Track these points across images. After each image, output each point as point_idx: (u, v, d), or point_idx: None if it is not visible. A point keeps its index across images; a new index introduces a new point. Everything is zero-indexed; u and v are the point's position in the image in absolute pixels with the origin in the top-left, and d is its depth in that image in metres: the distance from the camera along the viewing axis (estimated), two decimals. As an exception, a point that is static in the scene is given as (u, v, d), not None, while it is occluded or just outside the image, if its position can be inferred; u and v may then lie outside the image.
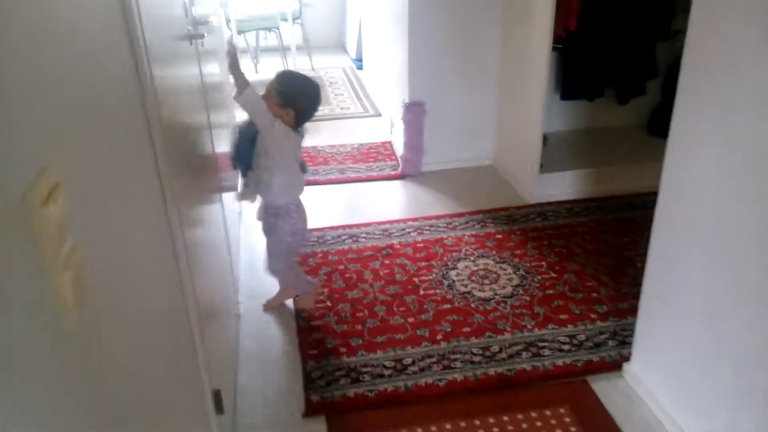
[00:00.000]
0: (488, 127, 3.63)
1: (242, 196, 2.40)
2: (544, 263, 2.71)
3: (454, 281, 2.59)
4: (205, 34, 1.97)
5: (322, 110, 4.63)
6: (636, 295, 2.45)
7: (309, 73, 5.65)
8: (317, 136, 4.18)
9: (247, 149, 2.16)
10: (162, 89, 1.31)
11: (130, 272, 1.00)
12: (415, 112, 3.48)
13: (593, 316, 2.37)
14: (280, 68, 5.50)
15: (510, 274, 2.64)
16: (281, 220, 2.24)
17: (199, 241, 1.59)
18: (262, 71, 5.73)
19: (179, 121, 1.50)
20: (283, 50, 5.57)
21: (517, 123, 3.34)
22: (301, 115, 2.13)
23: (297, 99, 2.09)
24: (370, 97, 4.98)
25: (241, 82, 2.02)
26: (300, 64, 5.66)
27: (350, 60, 6.05)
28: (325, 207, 3.26)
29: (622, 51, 3.27)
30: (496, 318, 2.37)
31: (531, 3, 2.99)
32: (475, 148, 3.68)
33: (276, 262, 2.33)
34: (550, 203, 3.21)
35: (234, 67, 2.06)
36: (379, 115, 4.58)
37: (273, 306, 2.47)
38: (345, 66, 5.92)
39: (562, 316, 2.37)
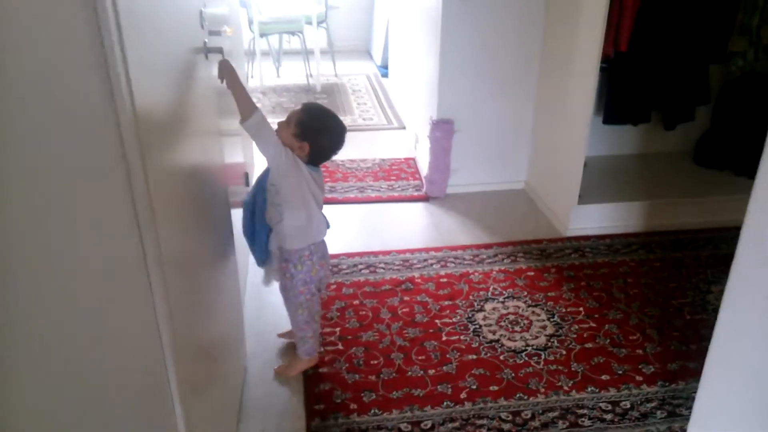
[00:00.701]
0: (522, 150, 3.35)
1: (267, 279, 2.10)
2: (581, 309, 2.43)
3: (480, 326, 2.32)
4: (223, 47, 1.71)
5: (343, 119, 4.39)
6: (686, 355, 2.18)
7: (332, 80, 5.43)
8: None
9: (257, 224, 1.92)
10: (152, 122, 1.06)
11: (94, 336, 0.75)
12: (443, 130, 3.22)
13: (638, 378, 2.09)
14: (303, 76, 5.30)
15: (543, 320, 2.36)
16: (293, 267, 1.95)
17: (195, 320, 1.34)
18: (284, 75, 5.50)
19: (178, 159, 1.25)
20: (306, 54, 5.33)
21: (554, 147, 3.06)
22: (318, 153, 1.88)
23: (318, 135, 1.84)
24: (395, 107, 4.72)
25: (247, 104, 1.76)
26: (323, 70, 5.41)
27: (375, 67, 5.79)
28: (342, 229, 3.00)
29: (673, 73, 2.98)
30: (528, 375, 2.09)
31: (579, 19, 2.71)
32: (507, 172, 3.40)
33: (291, 310, 2.06)
34: (587, 237, 2.92)
35: (234, 85, 1.77)
36: (404, 127, 4.32)
37: (284, 373, 2.13)
38: (369, 73, 5.67)
39: (603, 377, 2.09)
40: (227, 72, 1.75)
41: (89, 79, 0.87)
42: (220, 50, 1.68)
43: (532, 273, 2.66)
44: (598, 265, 2.71)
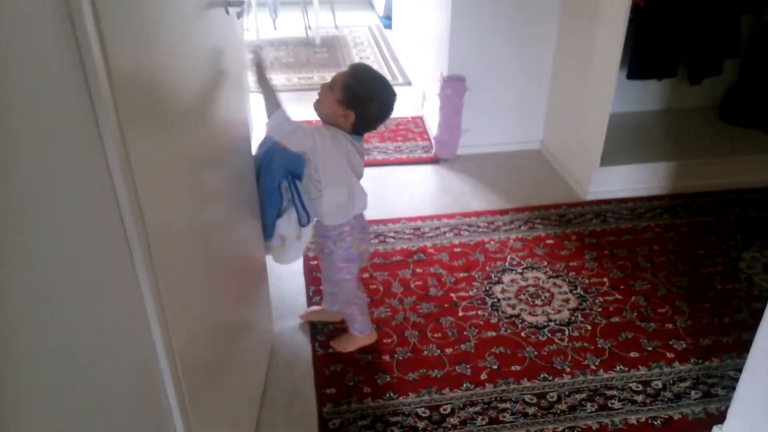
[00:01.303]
0: (538, 108, 3.15)
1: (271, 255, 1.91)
2: (605, 280, 2.28)
3: (499, 300, 2.19)
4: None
5: (346, 76, 4.17)
6: (719, 328, 2.05)
7: (332, 32, 5.17)
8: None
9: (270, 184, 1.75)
10: (134, 95, 0.88)
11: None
12: (454, 88, 3.02)
13: (669, 355, 1.96)
14: (302, 28, 5.02)
15: (566, 293, 2.22)
16: (332, 243, 1.80)
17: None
18: (281, 28, 5.24)
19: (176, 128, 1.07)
20: (304, 5, 5.06)
21: (574, 104, 2.87)
22: (363, 123, 1.68)
23: (367, 104, 1.64)
24: (399, 62, 4.49)
25: (272, 100, 1.59)
26: (322, 21, 5.15)
27: (378, 18, 5.52)
28: (348, 196, 2.83)
29: (705, 22, 2.76)
30: (551, 353, 1.96)
31: (603, -37, 2.49)
32: (521, 131, 3.22)
33: (329, 288, 1.93)
34: (608, 201, 2.76)
35: (263, 83, 1.60)
36: (410, 83, 4.10)
37: (339, 348, 2.00)
38: (372, 24, 5.40)
39: (632, 354, 1.96)
40: (258, 65, 1.60)
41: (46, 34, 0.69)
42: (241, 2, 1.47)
43: (552, 241, 2.51)
44: (622, 231, 2.56)
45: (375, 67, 4.43)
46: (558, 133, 3.09)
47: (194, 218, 1.20)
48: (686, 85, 3.13)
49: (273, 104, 1.59)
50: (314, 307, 2.13)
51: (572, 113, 2.90)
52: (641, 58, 2.77)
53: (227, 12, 1.43)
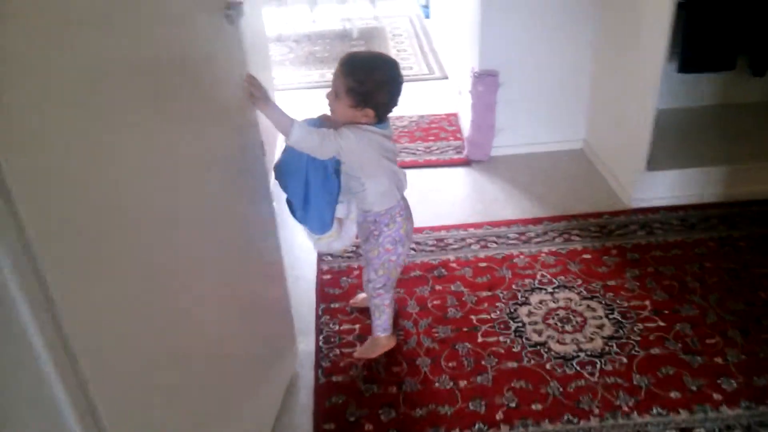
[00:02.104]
0: (580, 103, 2.89)
1: (321, 245, 1.82)
2: (647, 303, 2.03)
3: (524, 324, 1.97)
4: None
5: (380, 70, 3.98)
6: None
7: (371, 23, 4.97)
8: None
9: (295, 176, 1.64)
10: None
11: None
12: (486, 84, 2.79)
13: (717, 396, 1.71)
14: (339, 20, 4.86)
15: (600, 317, 1.99)
16: (384, 226, 1.75)
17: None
18: (318, 20, 5.09)
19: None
20: (342, -5, 4.89)
21: (618, 100, 2.60)
22: (383, 110, 1.63)
23: (376, 95, 1.57)
24: (437, 53, 4.26)
25: (282, 120, 1.50)
26: (362, 12, 4.96)
27: (418, 6, 5.29)
28: (370, 202, 2.66)
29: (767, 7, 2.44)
30: (579, 390, 1.74)
31: (650, -57, 2.21)
32: (562, 130, 2.96)
33: (370, 273, 1.83)
34: (656, 209, 2.49)
35: (263, 103, 1.49)
36: (446, 77, 3.88)
37: (364, 356, 1.92)
38: (412, 14, 5.18)
39: (672, 394, 1.72)
40: (259, 91, 1.48)
41: None
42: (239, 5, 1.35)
43: (589, 255, 2.26)
44: (669, 246, 2.29)
45: (412, 60, 4.25)
46: (601, 131, 2.82)
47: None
48: (746, 77, 2.79)
49: (284, 122, 1.50)
50: (363, 294, 2.04)
51: (615, 110, 2.63)
52: (694, 48, 2.46)
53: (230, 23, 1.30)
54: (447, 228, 2.46)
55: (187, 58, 1.15)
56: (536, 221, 2.47)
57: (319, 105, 1.69)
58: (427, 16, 4.92)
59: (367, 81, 1.55)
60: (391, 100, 1.63)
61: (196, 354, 1.17)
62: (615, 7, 2.56)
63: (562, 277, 2.16)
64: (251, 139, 1.53)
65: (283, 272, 1.80)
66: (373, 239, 1.77)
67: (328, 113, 1.65)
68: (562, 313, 2.01)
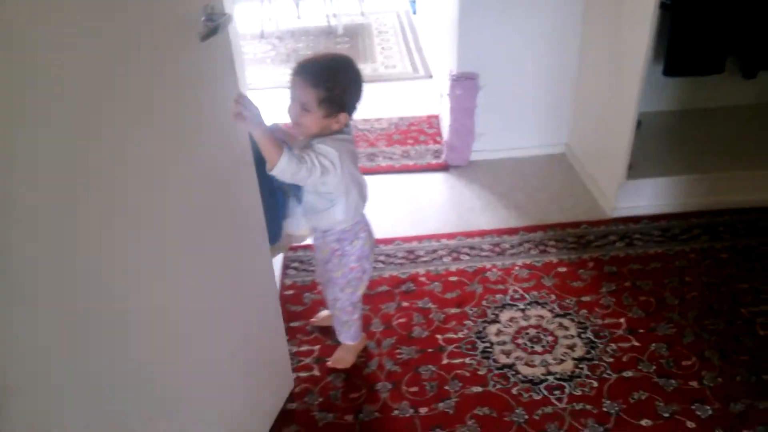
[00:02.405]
0: (563, 105, 2.78)
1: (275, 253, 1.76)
2: (622, 321, 1.94)
3: (492, 345, 1.88)
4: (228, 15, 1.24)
5: (363, 69, 3.87)
6: (756, 389, 1.68)
7: (358, 20, 4.86)
8: (351, 104, 3.45)
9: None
10: None
11: None
12: (464, 87, 2.69)
13: (690, 424, 1.61)
14: (325, 16, 4.74)
15: (572, 336, 1.89)
16: (348, 244, 1.66)
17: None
18: (304, 16, 4.98)
19: None
20: (327, -9, 4.78)
21: (601, 103, 2.49)
22: (353, 110, 1.55)
23: (345, 96, 1.49)
24: (423, 51, 4.15)
25: (270, 147, 1.35)
26: (348, 8, 4.85)
27: (408, 1, 5.17)
28: (342, 211, 2.56)
29: (759, 5, 2.33)
30: (545, 417, 1.65)
31: (628, -59, 2.10)
32: (544, 133, 2.85)
33: (335, 293, 1.74)
34: (638, 219, 2.38)
35: (253, 125, 1.33)
36: (430, 76, 3.77)
37: (340, 366, 1.86)
38: (400, 10, 5.06)
39: (643, 422, 1.62)
40: (248, 111, 1.31)
41: None
42: (222, 24, 1.20)
43: (564, 269, 2.17)
44: (649, 258, 2.19)
45: (396, 59, 4.15)
46: (583, 136, 2.71)
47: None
48: (735, 80, 2.68)
49: (271, 151, 1.36)
50: (325, 312, 1.98)
51: (597, 114, 2.53)
52: (680, 51, 2.35)
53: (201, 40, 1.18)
54: (419, 239, 2.36)
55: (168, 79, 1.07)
56: (512, 231, 2.37)
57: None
58: (415, 12, 4.81)
59: (336, 86, 1.45)
60: (359, 98, 1.54)
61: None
62: (599, 6, 2.44)
63: (535, 293, 2.07)
64: (243, 158, 1.41)
65: (275, 293, 1.68)
66: (335, 259, 1.67)
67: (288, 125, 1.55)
68: (532, 332, 1.92)
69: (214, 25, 1.15)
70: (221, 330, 1.35)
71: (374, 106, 3.42)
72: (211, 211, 1.27)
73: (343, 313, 1.77)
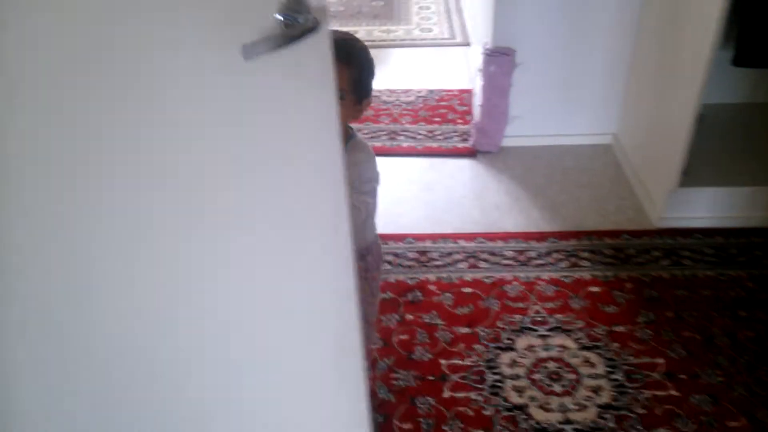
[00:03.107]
0: (612, 90, 2.43)
1: None
2: (660, 361, 1.65)
3: (503, 378, 1.62)
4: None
5: (396, 32, 3.55)
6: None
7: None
8: (378, 71, 3.14)
9: None
10: None
11: None
12: (499, 64, 2.36)
13: (733, 505, 1.34)
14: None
15: (599, 377, 1.62)
16: (371, 256, 1.42)
17: None
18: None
19: None
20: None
21: (657, 92, 2.15)
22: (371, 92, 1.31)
23: (370, 77, 1.29)
24: (463, 13, 3.78)
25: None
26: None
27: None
28: (352, 197, 2.30)
29: None
30: (556, 479, 1.40)
31: None
32: (588, 120, 2.51)
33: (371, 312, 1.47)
34: (688, 231, 2.06)
35: None
36: (468, 44, 3.42)
37: None
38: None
39: (674, 497, 1.36)
40: None
41: None
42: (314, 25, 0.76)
43: (597, 289, 1.87)
44: (698, 283, 1.88)
45: (434, 20, 3.79)
46: (635, 127, 2.37)
47: None
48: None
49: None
50: None
51: (652, 104, 2.18)
52: (752, 39, 1.97)
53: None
54: (433, 237, 2.09)
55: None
56: (541, 237, 2.08)
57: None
58: (459, -30, 4.39)
59: (364, 64, 1.25)
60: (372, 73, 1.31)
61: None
62: (662, -22, 2.07)
63: (560, 316, 1.79)
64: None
65: (359, 346, 1.05)
66: (365, 277, 1.38)
67: None
68: (552, 366, 1.65)
69: (300, 29, 0.73)
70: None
71: (405, 74, 3.10)
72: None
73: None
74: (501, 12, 2.27)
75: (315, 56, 0.78)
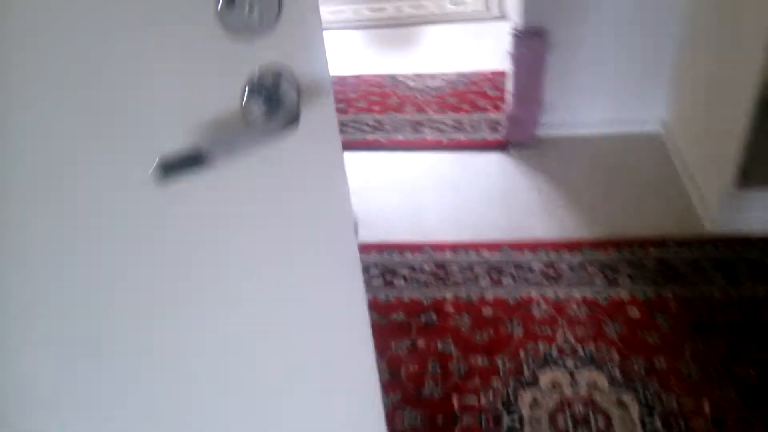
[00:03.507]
0: (660, 72, 2.14)
1: None
2: (706, 406, 1.42)
3: (522, 422, 1.43)
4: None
5: (427, 6, 3.29)
6: None
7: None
8: (403, 51, 2.92)
9: None
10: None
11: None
12: (531, 45, 2.10)
13: None
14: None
15: (633, 423, 1.41)
16: None
17: None
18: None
19: None
20: None
21: (712, 74, 1.86)
22: None
23: None
24: (503, -17, 3.47)
25: None
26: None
27: None
28: (372, 195, 2.12)
29: None
30: None
31: None
32: (633, 106, 2.23)
33: None
34: (747, 241, 1.79)
35: None
36: (504, 17, 3.14)
37: None
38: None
39: None
40: None
41: None
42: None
43: (636, 311, 1.64)
44: (758, 305, 1.62)
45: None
46: (687, 115, 2.08)
47: None
48: None
49: None
50: None
51: (706, 88, 1.89)
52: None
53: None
54: (454, 247, 1.89)
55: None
56: (574, 246, 1.85)
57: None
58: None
59: None
60: None
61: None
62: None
63: (592, 346, 1.57)
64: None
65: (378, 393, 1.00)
66: None
67: None
68: (579, 408, 1.45)
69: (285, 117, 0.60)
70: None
71: (432, 56, 2.87)
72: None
73: None
74: (531, -12, 2.01)
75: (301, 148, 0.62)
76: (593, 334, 1.60)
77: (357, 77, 2.75)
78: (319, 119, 0.64)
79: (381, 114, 2.51)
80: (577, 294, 1.71)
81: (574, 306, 1.68)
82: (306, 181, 0.67)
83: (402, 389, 1.53)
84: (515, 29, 2.12)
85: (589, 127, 2.27)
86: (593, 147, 2.23)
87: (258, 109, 0.57)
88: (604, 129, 2.26)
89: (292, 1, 0.56)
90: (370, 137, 2.38)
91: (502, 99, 2.51)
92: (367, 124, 2.44)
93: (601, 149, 2.22)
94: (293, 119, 0.59)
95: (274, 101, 0.58)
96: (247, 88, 0.57)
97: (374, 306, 1.74)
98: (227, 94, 0.57)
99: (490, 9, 3.24)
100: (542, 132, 2.28)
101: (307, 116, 0.62)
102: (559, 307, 1.68)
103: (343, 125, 2.48)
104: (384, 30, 3.17)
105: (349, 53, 2.99)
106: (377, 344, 1.58)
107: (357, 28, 3.23)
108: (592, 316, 1.64)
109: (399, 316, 1.71)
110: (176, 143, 0.56)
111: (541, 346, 1.58)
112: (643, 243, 1.83)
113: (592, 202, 2.01)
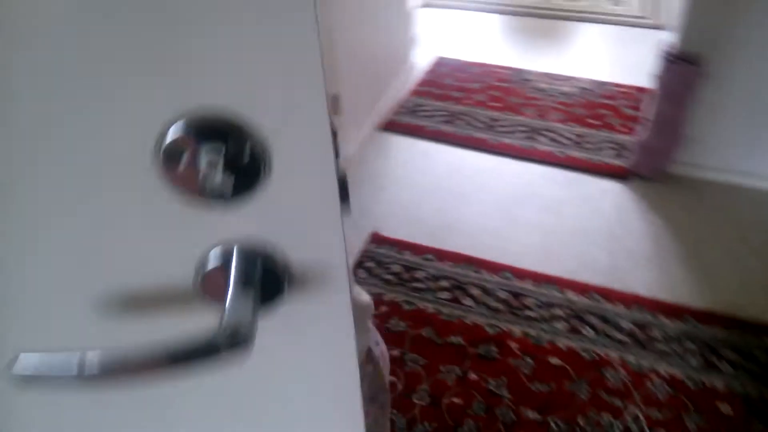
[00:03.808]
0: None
1: None
2: None
3: (558, 499, 1.26)
4: None
5: (580, 1, 3.00)
6: None
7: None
8: (541, 46, 2.69)
9: None
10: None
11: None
12: (679, 72, 1.82)
13: None
14: None
15: None
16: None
17: None
18: None
19: None
20: None
21: None
22: None
23: None
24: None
25: None
26: None
27: None
28: (462, 200, 1.97)
29: None
30: None
31: None
32: (790, 163, 1.90)
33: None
34: None
35: None
36: (662, 28, 2.80)
37: None
38: None
39: None
40: None
41: None
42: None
43: (729, 408, 1.39)
44: None
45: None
46: None
47: None
48: None
49: None
50: None
51: None
52: None
53: None
54: (537, 278, 1.70)
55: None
56: (676, 311, 1.60)
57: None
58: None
59: None
60: None
61: None
62: None
63: (665, 434, 1.35)
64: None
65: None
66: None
67: None
68: (629, 503, 1.25)
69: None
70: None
71: (571, 55, 2.61)
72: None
73: None
74: (697, 5, 1.72)
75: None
76: (670, 419, 1.37)
77: (483, 66, 2.56)
78: (317, 330, 0.44)
79: (497, 111, 2.32)
80: (663, 368, 1.47)
81: (657, 381, 1.45)
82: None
83: (439, 420, 1.40)
84: (667, 50, 1.85)
85: (732, 175, 1.96)
86: (729, 198, 1.93)
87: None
88: (748, 180, 1.95)
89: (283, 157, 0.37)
90: (477, 135, 2.21)
91: (637, 121, 2.24)
92: (480, 121, 2.26)
93: (738, 202, 1.91)
94: (246, 338, 0.36)
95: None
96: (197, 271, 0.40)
97: (433, 321, 1.60)
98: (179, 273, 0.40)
99: (651, 16, 2.90)
100: (675, 169, 2.00)
101: (294, 320, 0.42)
102: (638, 378, 1.46)
103: (453, 116, 2.31)
104: (526, 19, 2.94)
105: (481, 38, 2.80)
106: (428, 369, 1.45)
107: (498, 12, 3.01)
108: (674, 398, 1.41)
109: (457, 339, 1.56)
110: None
111: (605, 418, 1.38)
112: (760, 328, 1.55)
113: (713, 264, 1.74)
